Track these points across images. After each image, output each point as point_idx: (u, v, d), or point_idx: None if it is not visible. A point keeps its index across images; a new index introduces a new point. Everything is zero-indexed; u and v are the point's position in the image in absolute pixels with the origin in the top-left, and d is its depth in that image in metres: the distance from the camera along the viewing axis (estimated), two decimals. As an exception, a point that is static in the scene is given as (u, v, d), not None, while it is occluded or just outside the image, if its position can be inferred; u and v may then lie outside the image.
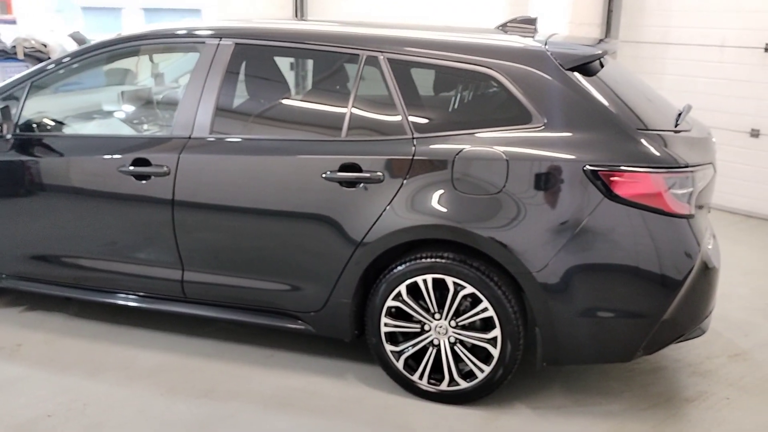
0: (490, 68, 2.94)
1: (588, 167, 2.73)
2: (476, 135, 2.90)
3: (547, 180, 2.80)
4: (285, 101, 3.45)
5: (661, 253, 2.74)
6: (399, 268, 3.01)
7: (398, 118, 3.01)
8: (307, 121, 3.33)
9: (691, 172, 2.78)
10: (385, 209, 2.95)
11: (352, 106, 3.08)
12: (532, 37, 3.28)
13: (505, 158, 2.81)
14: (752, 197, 6.19)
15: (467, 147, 2.87)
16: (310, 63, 3.68)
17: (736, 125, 6.19)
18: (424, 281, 2.98)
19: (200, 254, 3.31)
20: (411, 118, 3.00)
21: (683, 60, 6.51)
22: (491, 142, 2.86)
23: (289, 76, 3.57)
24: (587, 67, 2.94)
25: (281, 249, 3.17)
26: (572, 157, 2.77)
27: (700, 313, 2.97)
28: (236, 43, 3.27)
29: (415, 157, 2.93)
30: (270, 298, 3.28)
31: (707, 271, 2.89)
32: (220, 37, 3.29)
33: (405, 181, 2.93)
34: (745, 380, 3.36)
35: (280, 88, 3.49)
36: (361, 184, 2.98)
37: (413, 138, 2.97)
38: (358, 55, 3.11)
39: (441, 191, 2.89)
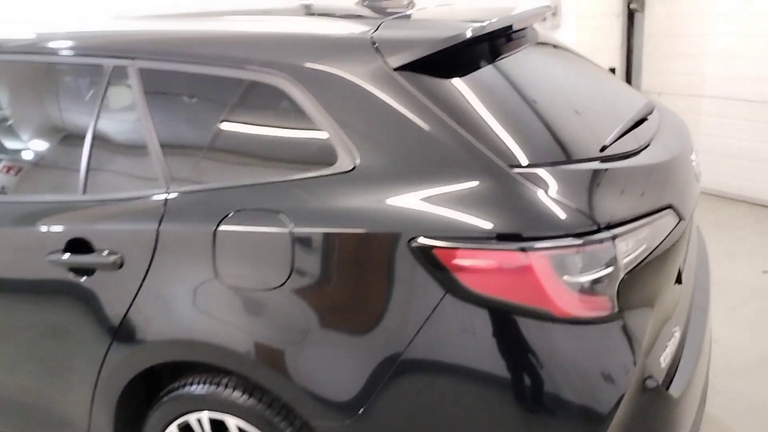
0: (275, 75, 1.77)
1: (419, 242, 1.54)
2: (251, 187, 1.75)
3: (357, 264, 1.62)
4: (9, 145, 2.35)
5: (558, 382, 1.53)
6: (162, 402, 1.92)
7: (149, 162, 1.90)
8: (35, 173, 2.24)
9: (611, 238, 1.54)
10: (125, 315, 1.86)
11: (92, 148, 1.99)
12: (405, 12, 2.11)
13: (289, 229, 1.66)
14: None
15: (235, 209, 1.74)
16: (41, 84, 2.49)
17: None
18: (198, 421, 1.88)
19: None
20: (167, 162, 1.88)
21: (731, 16, 4.99)
22: (267, 200, 1.71)
23: (18, 107, 2.40)
24: (445, 61, 1.73)
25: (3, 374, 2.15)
26: (395, 223, 1.58)
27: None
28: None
29: (162, 227, 1.81)
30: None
31: (656, 401, 1.65)
32: None
33: (151, 267, 1.83)
34: None
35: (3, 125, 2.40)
36: (95, 272, 1.90)
37: (167, 194, 1.85)
38: (101, 66, 2.01)
39: (198, 283, 1.77)
